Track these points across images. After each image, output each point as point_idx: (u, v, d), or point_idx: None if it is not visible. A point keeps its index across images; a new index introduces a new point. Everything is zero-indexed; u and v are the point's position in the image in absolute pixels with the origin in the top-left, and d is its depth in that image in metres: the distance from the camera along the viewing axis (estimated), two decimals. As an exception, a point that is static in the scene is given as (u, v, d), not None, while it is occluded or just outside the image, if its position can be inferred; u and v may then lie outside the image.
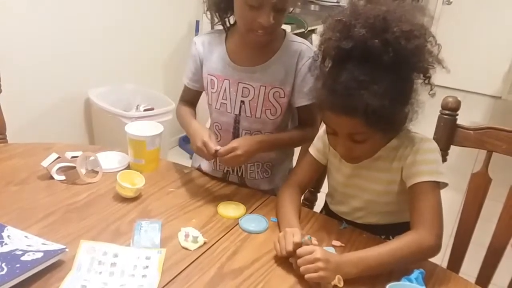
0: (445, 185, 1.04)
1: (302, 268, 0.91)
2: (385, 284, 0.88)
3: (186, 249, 1.01)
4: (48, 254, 0.90)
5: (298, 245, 0.94)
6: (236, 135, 1.31)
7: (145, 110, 2.53)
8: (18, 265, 0.86)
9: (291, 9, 1.24)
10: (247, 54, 1.25)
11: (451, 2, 5.18)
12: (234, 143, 1.15)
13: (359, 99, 0.93)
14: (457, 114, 1.24)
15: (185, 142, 3.20)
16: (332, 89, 0.98)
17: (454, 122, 1.24)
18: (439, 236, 0.98)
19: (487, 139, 1.21)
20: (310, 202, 1.43)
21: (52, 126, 2.35)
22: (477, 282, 1.22)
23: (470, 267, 1.26)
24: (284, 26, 1.26)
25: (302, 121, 1.33)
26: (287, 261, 0.98)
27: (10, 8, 2.03)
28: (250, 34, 1.17)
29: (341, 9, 1.03)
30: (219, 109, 1.31)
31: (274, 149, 1.32)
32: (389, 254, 0.96)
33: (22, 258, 0.88)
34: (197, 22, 3.06)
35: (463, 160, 2.39)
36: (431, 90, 1.02)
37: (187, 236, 1.03)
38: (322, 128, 1.27)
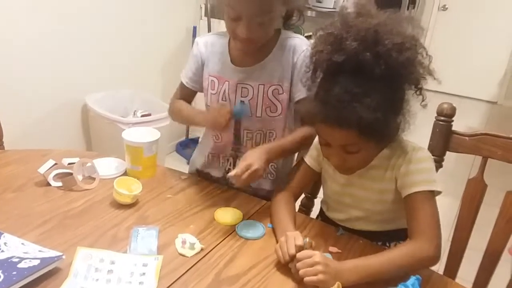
0: (438, 193, 1.04)
1: (301, 271, 0.91)
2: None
3: (183, 255, 1.01)
4: (44, 261, 0.90)
5: (301, 248, 0.95)
6: (237, 135, 1.31)
7: (142, 116, 2.53)
8: (14, 273, 0.86)
9: (295, 19, 1.26)
10: (246, 55, 1.26)
11: (446, 8, 5.21)
12: (247, 160, 1.11)
13: (352, 112, 0.93)
14: (453, 120, 1.25)
15: (182, 148, 3.20)
16: (325, 101, 0.98)
17: (450, 128, 1.25)
18: (438, 247, 0.98)
19: (483, 145, 1.22)
20: (307, 208, 1.43)
21: (49, 132, 2.35)
22: (474, 287, 1.23)
23: (467, 272, 1.26)
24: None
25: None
26: (284, 267, 0.98)
27: (7, 14, 2.03)
28: (236, 41, 1.21)
29: (331, 21, 1.03)
30: None
31: (283, 155, 1.29)
32: (389, 262, 0.96)
33: (19, 266, 0.88)
34: (194, 28, 3.07)
35: (459, 166, 2.39)
36: (422, 101, 1.02)
37: (184, 242, 1.03)
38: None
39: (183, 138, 3.32)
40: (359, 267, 0.94)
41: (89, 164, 1.29)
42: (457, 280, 1.19)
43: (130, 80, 2.73)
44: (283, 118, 1.29)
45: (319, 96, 1.02)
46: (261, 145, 1.23)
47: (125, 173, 1.32)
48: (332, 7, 3.88)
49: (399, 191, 1.07)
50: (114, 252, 0.98)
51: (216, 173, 1.40)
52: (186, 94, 1.39)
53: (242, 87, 1.26)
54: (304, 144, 1.25)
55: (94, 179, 1.27)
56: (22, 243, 0.96)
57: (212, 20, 2.92)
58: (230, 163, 1.37)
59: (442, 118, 1.24)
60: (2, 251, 0.92)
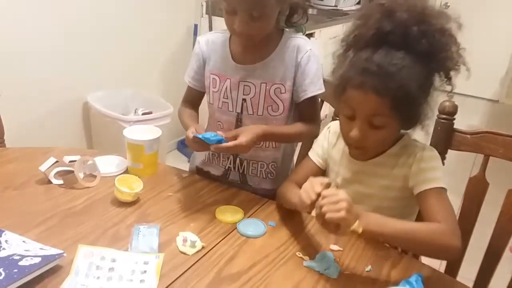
0: (445, 191, 1.05)
1: (325, 207, 0.90)
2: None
3: (184, 253, 1.01)
4: (46, 259, 0.90)
5: (328, 186, 0.95)
6: None
7: (143, 114, 2.53)
8: (16, 270, 0.86)
9: (298, 16, 1.25)
10: (248, 52, 1.26)
11: (448, 6, 5.18)
12: (239, 132, 1.15)
13: (391, 80, 0.96)
14: (454, 118, 1.25)
15: (183, 146, 3.20)
16: (364, 68, 0.99)
17: (451, 126, 1.25)
18: (460, 239, 0.96)
19: (485, 143, 1.22)
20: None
21: (50, 130, 2.35)
22: (475, 286, 1.23)
23: (468, 271, 1.26)
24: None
25: (304, 118, 1.31)
26: (285, 265, 0.98)
27: (8, 12, 2.03)
28: (235, 37, 1.23)
29: None
30: (221, 108, 1.31)
31: (276, 139, 1.31)
32: (412, 229, 0.97)
33: (20, 263, 0.88)
34: (195, 25, 3.07)
35: (461, 164, 2.39)
36: (450, 91, 1.07)
37: (185, 240, 1.03)
38: (322, 133, 1.27)
39: (184, 136, 3.31)
40: (382, 220, 0.95)
41: (90, 162, 1.29)
42: (458, 278, 1.19)
43: (131, 78, 2.73)
44: (285, 117, 1.29)
45: (356, 64, 1.03)
46: (260, 124, 1.24)
47: (126, 171, 1.32)
48: (333, 5, 3.87)
49: (408, 189, 1.07)
50: (115, 250, 0.98)
51: (216, 171, 1.40)
52: (192, 96, 1.39)
53: (244, 85, 1.26)
54: (297, 139, 1.29)
55: (95, 177, 1.27)
56: (23, 241, 0.97)
57: (213, 18, 2.91)
58: (230, 161, 1.37)
59: (444, 116, 1.24)
60: (3, 248, 0.93)
